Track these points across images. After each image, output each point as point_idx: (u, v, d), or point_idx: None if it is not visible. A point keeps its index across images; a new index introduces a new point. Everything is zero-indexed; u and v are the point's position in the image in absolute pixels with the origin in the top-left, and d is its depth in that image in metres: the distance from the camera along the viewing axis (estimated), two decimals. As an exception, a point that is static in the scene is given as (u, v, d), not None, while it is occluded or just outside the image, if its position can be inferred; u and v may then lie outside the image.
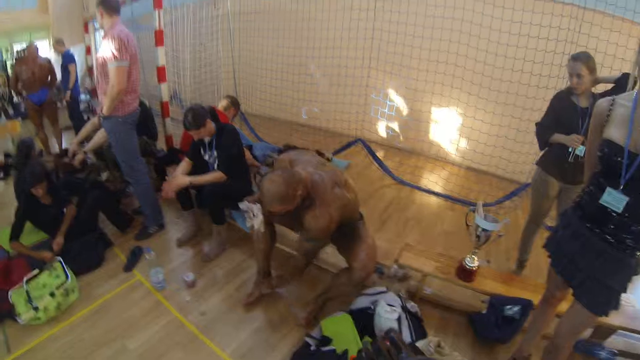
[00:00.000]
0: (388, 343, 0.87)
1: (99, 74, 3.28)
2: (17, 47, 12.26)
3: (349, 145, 6.10)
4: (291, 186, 2.22)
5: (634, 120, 1.57)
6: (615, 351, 2.54)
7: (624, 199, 1.59)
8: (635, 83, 2.32)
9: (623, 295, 1.73)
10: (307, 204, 2.36)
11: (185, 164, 3.56)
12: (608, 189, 1.65)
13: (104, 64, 3.18)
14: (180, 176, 3.38)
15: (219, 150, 3.43)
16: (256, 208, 2.59)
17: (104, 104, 3.24)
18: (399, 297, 2.75)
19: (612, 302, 1.72)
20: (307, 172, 2.39)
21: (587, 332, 2.72)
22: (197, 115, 3.24)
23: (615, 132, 1.63)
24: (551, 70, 4.40)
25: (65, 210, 3.54)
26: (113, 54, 3.06)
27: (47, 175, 3.46)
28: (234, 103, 4.76)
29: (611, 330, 2.58)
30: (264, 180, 2.30)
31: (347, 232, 2.62)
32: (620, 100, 1.67)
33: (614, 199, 1.62)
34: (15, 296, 2.85)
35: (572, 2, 4.30)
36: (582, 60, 2.58)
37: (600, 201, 1.67)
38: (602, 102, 1.73)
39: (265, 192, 2.25)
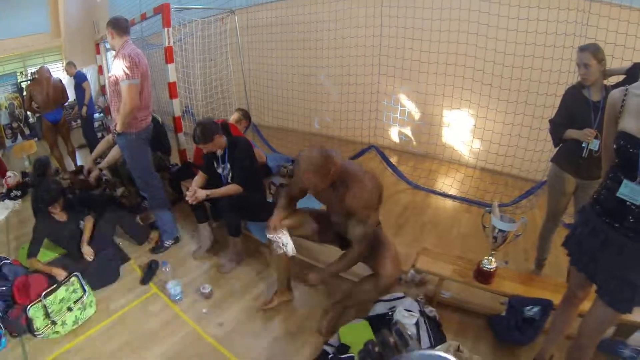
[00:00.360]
0: (394, 336, 0.87)
1: (112, 93, 3.36)
2: (31, 69, 12.62)
3: (362, 152, 6.12)
4: (327, 160, 2.28)
5: None
6: (639, 349, 2.49)
7: None
8: None
9: None
10: (342, 189, 2.38)
11: (200, 177, 3.61)
12: (625, 181, 1.62)
13: (116, 83, 3.24)
14: (198, 190, 3.40)
15: (232, 163, 3.46)
16: (283, 236, 2.62)
17: (118, 121, 3.31)
18: (417, 302, 2.71)
19: (635, 299, 1.67)
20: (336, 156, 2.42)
21: (610, 331, 2.66)
22: (206, 130, 3.28)
23: (630, 123, 1.60)
24: (561, 65, 4.35)
25: (82, 223, 3.62)
26: (125, 72, 3.13)
27: (63, 193, 3.55)
28: (245, 115, 4.81)
29: (634, 327, 2.52)
30: (302, 152, 2.37)
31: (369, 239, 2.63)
32: (633, 90, 1.64)
33: (632, 191, 1.59)
34: (34, 311, 2.90)
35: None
36: (590, 50, 2.55)
37: (618, 194, 1.63)
38: (615, 93, 1.70)
39: (302, 160, 2.31)
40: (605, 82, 2.70)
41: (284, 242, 2.61)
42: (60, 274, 3.29)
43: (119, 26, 3.27)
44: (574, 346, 2.02)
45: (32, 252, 3.36)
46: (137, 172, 3.61)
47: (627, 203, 1.61)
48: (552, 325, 2.36)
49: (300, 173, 2.35)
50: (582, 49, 2.59)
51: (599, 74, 2.60)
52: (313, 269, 2.69)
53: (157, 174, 3.92)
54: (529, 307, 2.54)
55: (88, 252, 3.47)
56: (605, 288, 1.74)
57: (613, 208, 1.68)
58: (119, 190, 4.71)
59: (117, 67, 3.18)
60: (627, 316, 2.17)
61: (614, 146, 1.65)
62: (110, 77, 3.29)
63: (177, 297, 3.12)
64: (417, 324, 2.47)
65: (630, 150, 1.57)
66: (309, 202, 2.95)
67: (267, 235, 2.66)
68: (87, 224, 3.65)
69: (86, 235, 3.57)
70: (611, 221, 1.69)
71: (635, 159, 1.56)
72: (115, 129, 3.39)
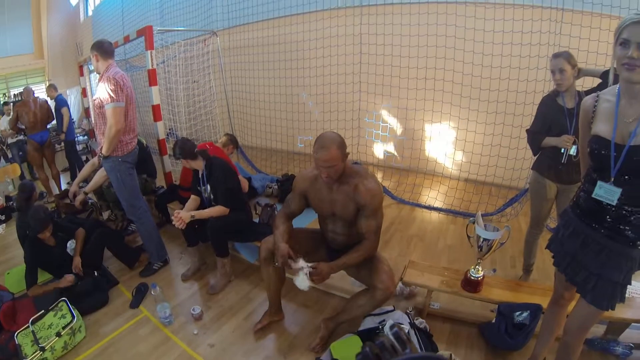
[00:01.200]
0: (392, 338, 0.88)
1: (97, 116, 3.36)
2: (14, 91, 12.54)
3: (346, 169, 6.10)
4: (344, 141, 2.34)
5: (618, 113, 1.60)
6: (632, 345, 2.53)
7: (617, 191, 1.61)
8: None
9: (632, 286, 1.73)
10: (350, 185, 2.41)
11: (192, 201, 3.64)
12: (599, 183, 1.67)
13: (101, 106, 3.25)
14: (182, 212, 3.41)
15: (212, 184, 3.50)
16: (304, 266, 2.40)
17: (104, 144, 3.31)
18: (407, 314, 2.73)
19: (616, 296, 1.72)
20: None
21: (601, 329, 2.71)
22: (182, 147, 3.43)
23: (602, 127, 1.66)
24: (537, 74, 4.52)
25: (70, 246, 3.61)
26: (110, 95, 3.15)
27: (51, 218, 3.52)
28: (232, 140, 4.90)
29: (625, 324, 2.57)
30: (324, 133, 2.38)
31: None
32: (604, 95, 1.70)
33: (606, 192, 1.64)
34: (21, 337, 2.85)
35: (550, 6, 4.43)
36: (564, 56, 2.63)
37: (593, 195, 1.69)
38: (587, 100, 1.77)
39: (323, 139, 2.30)
40: (578, 88, 2.78)
41: (305, 270, 2.37)
42: (70, 279, 3.33)
43: (104, 49, 3.28)
44: (561, 345, 2.06)
45: (31, 282, 3.31)
46: (124, 195, 3.59)
47: (605, 204, 1.66)
48: (542, 328, 2.38)
49: (321, 152, 2.27)
50: (556, 56, 2.67)
51: (572, 79, 2.68)
52: (320, 263, 2.44)
53: (143, 196, 3.91)
54: (518, 313, 2.57)
55: (77, 264, 3.47)
56: (586, 287, 1.78)
57: (591, 209, 1.73)
58: (105, 214, 4.68)
59: (101, 90, 3.19)
60: (617, 313, 2.23)
61: (588, 150, 1.72)
62: (94, 100, 3.30)
63: (167, 320, 3.09)
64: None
65: (603, 152, 1.63)
66: (303, 216, 2.89)
67: (294, 266, 2.41)
68: (79, 236, 3.65)
69: (78, 248, 3.58)
70: (591, 222, 1.74)
71: (608, 160, 1.61)
72: (101, 152, 3.39)
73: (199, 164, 3.53)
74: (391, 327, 0.96)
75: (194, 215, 3.38)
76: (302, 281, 2.35)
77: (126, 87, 3.25)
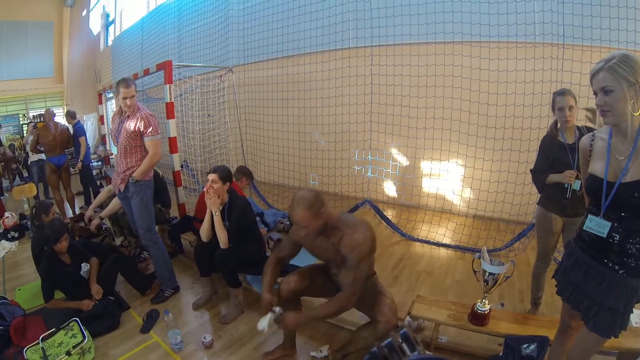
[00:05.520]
0: (400, 340, 0.94)
1: (129, 143, 3.61)
2: (33, 112, 12.92)
3: (357, 207, 6.20)
4: (318, 198, 2.36)
5: (610, 150, 1.71)
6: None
7: (607, 225, 1.70)
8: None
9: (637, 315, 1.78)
10: (336, 236, 2.45)
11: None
12: (590, 216, 1.78)
13: (136, 137, 3.57)
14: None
15: (229, 221, 3.54)
16: (276, 310, 2.52)
17: (139, 169, 3.59)
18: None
19: (617, 324, 1.76)
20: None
21: (611, 358, 2.68)
22: (227, 171, 3.60)
23: (596, 166, 1.77)
24: (541, 111, 4.62)
25: (84, 268, 3.72)
26: (153, 129, 3.58)
27: (67, 229, 3.65)
28: (246, 173, 4.97)
29: (635, 354, 2.55)
30: (297, 191, 2.44)
31: (366, 287, 2.67)
32: (599, 134, 1.81)
33: (596, 225, 1.74)
34: (30, 353, 2.90)
35: (551, 42, 4.57)
36: (570, 93, 2.74)
37: (584, 227, 1.79)
38: (584, 139, 1.89)
39: (295, 199, 2.38)
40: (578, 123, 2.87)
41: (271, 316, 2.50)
42: (88, 305, 3.44)
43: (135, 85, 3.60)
44: None
45: (48, 297, 3.43)
46: (143, 219, 3.73)
47: (606, 237, 1.72)
48: (549, 359, 2.40)
49: (293, 213, 2.38)
50: (562, 93, 2.77)
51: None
52: (290, 313, 2.56)
53: (157, 225, 4.03)
54: (525, 345, 2.57)
55: (96, 291, 3.57)
56: (589, 314, 1.82)
57: (594, 241, 1.79)
58: (118, 240, 4.78)
59: (138, 124, 3.53)
60: (627, 344, 2.25)
61: (586, 187, 1.83)
62: (131, 130, 3.55)
63: (178, 346, 3.12)
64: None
65: (596, 189, 1.74)
66: (303, 258, 2.92)
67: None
68: (93, 264, 3.75)
69: (93, 274, 3.68)
70: (593, 253, 1.80)
71: (599, 196, 1.72)
72: (131, 177, 3.60)
73: (224, 199, 3.58)
74: (400, 329, 1.02)
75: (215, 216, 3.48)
76: (263, 321, 2.44)
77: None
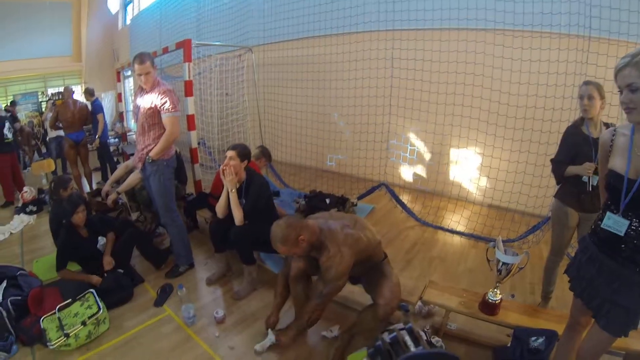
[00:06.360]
0: (405, 334, 0.96)
1: (144, 122, 3.55)
2: (51, 90, 13.11)
3: (373, 189, 6.20)
4: (293, 230, 2.44)
5: (632, 147, 1.67)
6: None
7: (625, 223, 1.67)
8: None
9: None
10: (321, 250, 2.53)
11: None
12: (608, 214, 1.75)
13: (154, 114, 3.49)
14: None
15: (246, 199, 3.55)
16: (271, 337, 2.87)
17: (155, 148, 3.51)
18: (424, 332, 2.78)
19: (629, 323, 1.76)
20: (315, 221, 2.61)
21: (618, 359, 2.68)
22: (246, 150, 3.58)
23: (617, 162, 1.73)
24: (563, 103, 4.54)
25: (100, 242, 3.80)
26: (171, 105, 3.43)
27: (84, 201, 3.73)
28: (265, 154, 5.01)
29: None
30: (273, 224, 2.53)
31: (373, 271, 2.77)
32: (621, 130, 1.77)
33: (615, 223, 1.71)
34: (47, 322, 2.99)
35: (577, 34, 4.45)
36: (594, 84, 2.70)
37: (602, 225, 1.76)
38: (605, 134, 1.84)
39: (272, 234, 2.49)
40: (603, 118, 2.83)
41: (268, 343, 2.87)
42: (97, 280, 3.50)
43: (153, 61, 3.51)
44: None
45: (61, 265, 3.52)
46: (162, 198, 3.73)
47: (622, 234, 1.70)
48: (556, 354, 2.40)
49: (274, 247, 2.52)
50: (587, 83, 2.74)
51: (599, 109, 2.73)
52: (281, 331, 2.88)
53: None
54: (534, 338, 2.58)
55: (108, 262, 3.65)
56: (600, 312, 1.82)
57: (608, 238, 1.77)
58: (134, 215, 4.86)
59: (158, 98, 3.44)
60: (634, 345, 2.25)
61: (605, 183, 1.79)
62: (148, 107, 3.48)
63: (191, 320, 3.20)
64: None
65: (616, 186, 1.70)
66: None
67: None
68: (110, 238, 3.83)
69: (109, 247, 3.76)
70: (607, 250, 1.79)
71: (619, 193, 1.68)
72: (147, 156, 3.56)
73: (241, 177, 3.58)
74: (405, 323, 1.04)
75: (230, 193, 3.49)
76: (262, 345, 2.87)
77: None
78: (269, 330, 2.90)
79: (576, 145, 2.84)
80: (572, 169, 2.82)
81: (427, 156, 6.47)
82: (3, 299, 3.23)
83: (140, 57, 3.40)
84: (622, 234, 1.68)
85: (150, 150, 3.55)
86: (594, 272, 1.83)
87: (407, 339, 0.89)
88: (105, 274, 3.63)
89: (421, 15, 5.62)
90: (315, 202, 5.26)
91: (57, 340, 2.88)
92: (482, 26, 5.14)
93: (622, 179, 1.67)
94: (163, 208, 3.78)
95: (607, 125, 2.77)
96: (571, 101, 4.35)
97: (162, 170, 3.63)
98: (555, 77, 4.68)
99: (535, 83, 4.85)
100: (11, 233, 5.28)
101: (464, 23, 5.33)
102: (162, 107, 3.45)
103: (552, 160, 3.04)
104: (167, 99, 3.43)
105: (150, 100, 3.47)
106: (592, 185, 2.74)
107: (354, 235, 2.55)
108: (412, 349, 0.91)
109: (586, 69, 4.34)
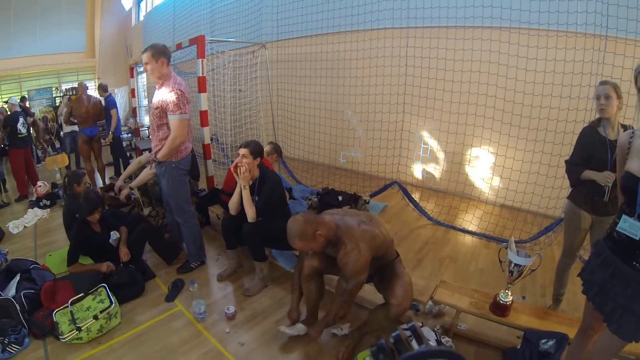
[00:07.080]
0: (408, 333, 0.96)
1: (154, 119, 3.49)
2: (65, 86, 13.29)
3: (385, 187, 6.18)
4: (310, 225, 2.43)
5: None
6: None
7: None
8: None
9: None
10: (338, 246, 2.52)
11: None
12: (623, 217, 1.72)
13: (161, 114, 3.38)
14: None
15: (259, 195, 3.53)
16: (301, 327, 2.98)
17: (162, 151, 3.45)
18: (434, 332, 2.77)
19: None
20: (331, 217, 2.60)
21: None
22: (258, 147, 3.54)
23: (634, 164, 1.70)
24: (579, 104, 4.48)
25: (113, 236, 3.82)
26: (176, 106, 3.28)
27: (101, 201, 3.77)
28: (277, 149, 5.02)
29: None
30: (289, 219, 2.52)
31: (385, 270, 2.76)
32: (639, 132, 1.74)
33: (630, 226, 1.68)
34: (59, 316, 3.04)
35: (593, 33, 4.38)
36: (611, 84, 2.65)
37: (617, 228, 1.73)
38: (623, 136, 1.81)
39: (288, 229, 2.48)
40: (620, 119, 2.77)
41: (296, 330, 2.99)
42: (108, 266, 3.57)
43: (168, 55, 3.40)
44: None
45: (72, 259, 3.56)
46: (173, 199, 3.71)
47: (637, 238, 1.68)
48: (567, 358, 2.38)
49: (291, 243, 2.52)
50: (603, 82, 2.69)
51: (616, 110, 2.68)
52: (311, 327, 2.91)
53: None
54: (544, 341, 2.55)
55: (125, 253, 3.70)
56: (612, 317, 1.79)
57: (623, 242, 1.75)
58: (146, 210, 4.90)
59: (165, 97, 3.31)
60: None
61: (620, 185, 1.76)
62: (155, 106, 3.40)
63: (202, 316, 3.23)
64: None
65: (632, 188, 1.68)
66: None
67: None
68: (123, 231, 3.87)
69: (124, 239, 3.81)
70: (622, 255, 1.76)
71: (635, 196, 1.66)
72: (155, 157, 3.55)
73: (254, 175, 3.57)
74: (408, 322, 1.04)
75: (243, 189, 3.48)
76: (290, 329, 2.99)
77: (188, 97, 3.38)
78: (299, 325, 2.99)
79: (590, 146, 2.78)
80: (589, 174, 2.73)
81: (441, 155, 6.44)
82: (17, 292, 3.30)
83: (146, 48, 3.37)
84: (637, 238, 1.66)
85: (159, 151, 3.51)
86: (607, 276, 1.81)
87: (410, 337, 0.90)
88: (122, 264, 3.68)
89: (436, 13, 5.58)
90: (327, 199, 5.27)
91: (69, 334, 2.93)
92: (497, 24, 5.09)
93: (638, 182, 1.65)
94: (175, 208, 3.78)
95: (624, 127, 2.72)
96: (587, 101, 4.29)
97: (170, 172, 3.57)
98: (571, 76, 4.61)
99: (550, 83, 4.79)
100: (25, 227, 5.37)
101: (479, 21, 5.27)
102: (167, 108, 3.32)
103: (566, 162, 2.99)
104: (173, 98, 3.27)
105: (158, 97, 3.37)
106: (609, 196, 2.67)
107: (371, 231, 2.54)
108: (416, 347, 0.91)
109: (602, 69, 4.28)
